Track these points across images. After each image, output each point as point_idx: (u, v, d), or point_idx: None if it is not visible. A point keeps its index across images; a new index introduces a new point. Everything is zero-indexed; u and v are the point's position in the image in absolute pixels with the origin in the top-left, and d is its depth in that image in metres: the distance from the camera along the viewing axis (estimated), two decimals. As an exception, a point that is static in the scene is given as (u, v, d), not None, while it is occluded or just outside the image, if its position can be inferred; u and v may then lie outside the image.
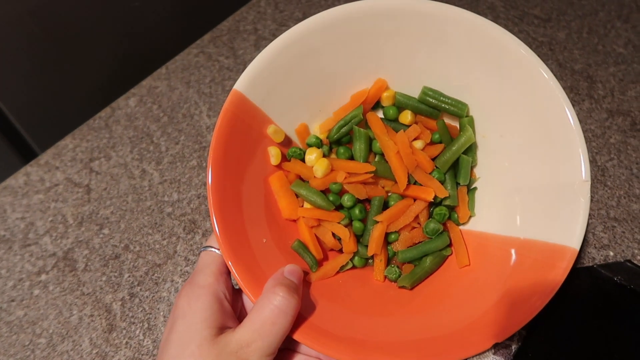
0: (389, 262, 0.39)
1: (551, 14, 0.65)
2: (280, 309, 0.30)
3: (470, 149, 0.39)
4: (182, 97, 0.58)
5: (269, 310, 0.30)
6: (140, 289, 0.45)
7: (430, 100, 0.38)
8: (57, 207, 0.50)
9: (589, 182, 0.32)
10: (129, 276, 0.46)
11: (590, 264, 0.44)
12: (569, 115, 0.33)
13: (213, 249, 0.34)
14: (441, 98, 0.38)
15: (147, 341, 0.42)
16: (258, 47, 0.62)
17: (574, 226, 0.32)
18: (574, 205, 0.33)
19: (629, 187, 0.49)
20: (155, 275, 0.46)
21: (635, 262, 0.44)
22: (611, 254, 0.45)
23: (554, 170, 0.34)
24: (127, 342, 0.42)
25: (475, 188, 0.40)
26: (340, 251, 0.39)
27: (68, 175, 0.52)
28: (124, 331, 0.43)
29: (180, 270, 0.46)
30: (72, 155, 0.54)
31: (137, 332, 0.43)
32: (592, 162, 0.51)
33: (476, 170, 0.40)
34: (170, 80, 0.60)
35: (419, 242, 0.39)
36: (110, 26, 0.61)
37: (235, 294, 0.35)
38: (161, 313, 0.44)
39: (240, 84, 0.34)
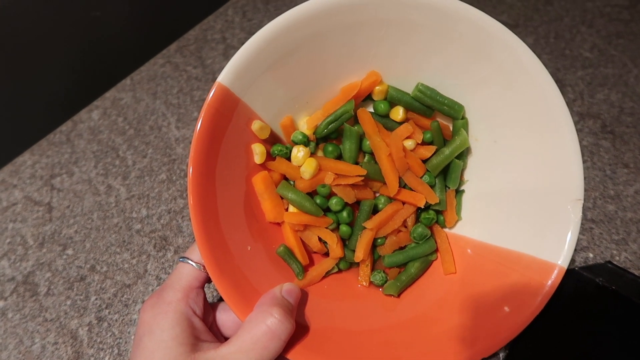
0: (374, 265, 0.38)
1: (518, 20, 0.66)
2: (274, 333, 0.28)
3: (462, 153, 0.37)
4: (149, 108, 0.56)
5: (261, 331, 0.28)
6: (109, 312, 0.42)
7: (426, 99, 0.36)
8: (16, 228, 0.47)
9: (582, 201, 0.31)
10: (96, 299, 0.43)
11: (572, 267, 0.44)
12: (569, 132, 0.31)
13: (190, 262, 0.32)
14: (437, 98, 0.36)
15: (118, 368, 0.39)
16: (227, 56, 0.61)
17: (563, 244, 0.31)
18: (565, 223, 0.31)
19: (603, 188, 0.49)
20: (125, 296, 0.43)
21: (615, 262, 0.44)
22: (591, 255, 0.45)
23: (547, 184, 0.33)
24: (95, 371, 0.39)
25: (462, 191, 0.39)
26: (326, 254, 0.37)
27: (27, 193, 0.49)
28: (92, 358, 0.40)
29: (152, 290, 0.43)
30: (31, 172, 0.51)
31: (107, 358, 0.40)
32: (567, 164, 0.51)
33: (465, 173, 0.39)
34: (136, 91, 0.57)
35: (405, 246, 0.38)
36: (69, 36, 0.58)
37: (207, 307, 0.33)
38: (132, 337, 0.41)
39: (225, 77, 0.31)
